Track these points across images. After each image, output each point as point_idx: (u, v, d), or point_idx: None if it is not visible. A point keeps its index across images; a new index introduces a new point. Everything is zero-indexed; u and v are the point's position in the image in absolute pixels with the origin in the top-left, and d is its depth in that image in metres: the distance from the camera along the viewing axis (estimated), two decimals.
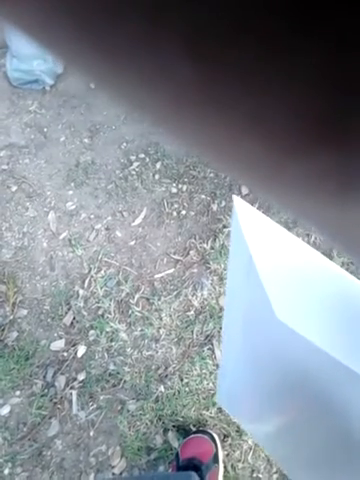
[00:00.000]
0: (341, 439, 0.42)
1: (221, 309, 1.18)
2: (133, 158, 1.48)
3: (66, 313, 1.21)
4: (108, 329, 1.18)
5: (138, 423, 1.06)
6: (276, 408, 0.52)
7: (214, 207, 1.36)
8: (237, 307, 0.50)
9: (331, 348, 0.33)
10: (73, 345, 1.17)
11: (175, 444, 1.03)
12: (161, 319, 1.18)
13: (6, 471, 1.03)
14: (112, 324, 1.18)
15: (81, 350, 1.16)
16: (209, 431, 1.02)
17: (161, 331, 1.16)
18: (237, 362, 0.57)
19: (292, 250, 0.38)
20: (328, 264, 0.37)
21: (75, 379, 1.12)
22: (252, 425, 0.71)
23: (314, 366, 0.37)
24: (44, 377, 1.13)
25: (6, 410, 1.09)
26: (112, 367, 1.13)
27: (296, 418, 0.49)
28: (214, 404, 1.07)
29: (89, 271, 1.27)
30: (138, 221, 1.35)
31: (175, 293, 1.21)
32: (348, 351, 0.33)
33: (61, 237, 1.34)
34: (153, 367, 1.12)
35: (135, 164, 1.47)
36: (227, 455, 1.02)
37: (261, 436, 0.71)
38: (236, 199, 0.39)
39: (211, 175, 1.43)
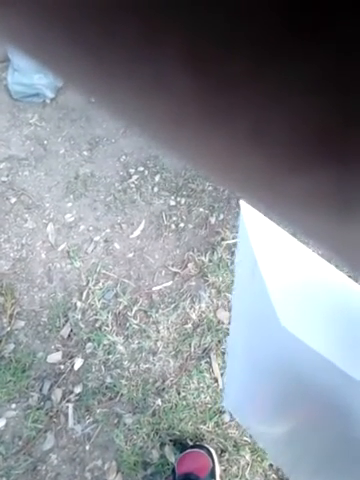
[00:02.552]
0: (345, 446, 0.42)
1: (219, 322, 1.18)
2: (132, 171, 1.49)
3: (63, 325, 1.21)
4: (105, 342, 1.17)
5: (135, 437, 1.05)
6: (281, 413, 0.52)
7: (212, 220, 1.37)
8: (242, 313, 0.50)
9: (334, 356, 0.33)
10: (70, 358, 1.16)
11: (172, 459, 1.02)
12: (159, 332, 1.18)
13: None
14: (109, 337, 1.17)
15: (78, 363, 1.15)
16: (206, 446, 1.01)
17: (158, 344, 1.16)
18: (243, 367, 0.57)
19: (298, 257, 0.38)
20: (333, 272, 0.38)
21: (71, 392, 1.12)
22: (257, 430, 0.70)
23: (317, 374, 0.37)
24: (40, 390, 1.12)
25: (1, 423, 1.08)
26: (109, 380, 1.12)
27: (301, 424, 0.49)
28: (211, 418, 1.06)
29: (87, 283, 1.27)
30: (136, 233, 1.36)
31: (173, 306, 1.21)
32: (351, 359, 0.33)
33: (59, 249, 1.34)
34: (150, 380, 1.12)
35: (134, 177, 1.48)
36: (224, 470, 1.01)
37: (266, 441, 0.71)
38: (243, 204, 0.39)
39: (209, 188, 1.43)
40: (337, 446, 0.44)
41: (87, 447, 1.05)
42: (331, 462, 0.49)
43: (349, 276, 0.38)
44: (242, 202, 0.40)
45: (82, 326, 1.20)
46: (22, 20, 0.08)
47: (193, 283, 1.25)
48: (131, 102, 0.09)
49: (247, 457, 1.02)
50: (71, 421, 1.08)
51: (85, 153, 1.55)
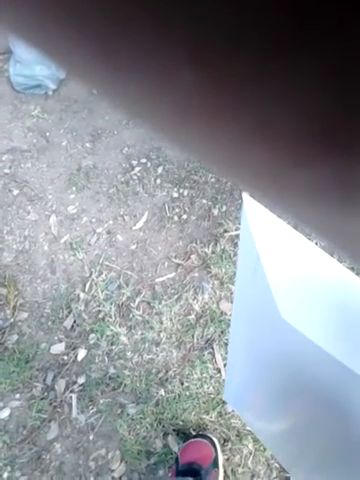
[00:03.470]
0: (345, 442, 0.42)
1: (222, 313, 1.18)
2: (135, 163, 1.49)
3: (67, 316, 1.21)
4: (109, 333, 1.17)
5: (138, 427, 1.06)
6: (281, 408, 0.52)
7: (215, 212, 1.37)
8: (244, 305, 0.50)
9: (334, 349, 0.33)
10: (73, 348, 1.17)
11: (175, 448, 1.02)
12: (162, 323, 1.18)
13: (5, 475, 1.02)
14: (113, 328, 1.18)
15: (81, 353, 1.16)
16: (209, 435, 1.01)
17: (162, 335, 1.16)
18: (243, 360, 0.57)
19: (299, 250, 0.38)
20: (335, 265, 0.38)
21: (75, 383, 1.12)
22: (258, 424, 0.71)
23: (318, 367, 0.37)
24: (44, 380, 1.13)
25: (6, 413, 1.09)
26: (112, 371, 1.13)
27: (301, 419, 0.49)
28: (214, 408, 1.06)
29: (90, 275, 1.27)
30: (139, 225, 1.36)
31: (176, 297, 1.21)
32: (351, 353, 0.33)
33: (62, 241, 1.35)
34: (153, 371, 1.12)
35: (137, 169, 1.48)
36: (227, 460, 1.01)
37: (266, 435, 0.71)
38: (246, 197, 0.39)
39: (212, 180, 1.43)
40: (336, 442, 0.44)
41: (91, 437, 1.06)
42: (330, 458, 0.49)
43: (350, 269, 0.38)
44: (245, 195, 0.40)
45: (85, 317, 1.20)
46: (28, 10, 0.08)
47: (196, 274, 1.25)
48: (136, 94, 0.09)
49: (250, 446, 1.02)
50: (75, 411, 1.09)
51: (87, 145, 1.55)
